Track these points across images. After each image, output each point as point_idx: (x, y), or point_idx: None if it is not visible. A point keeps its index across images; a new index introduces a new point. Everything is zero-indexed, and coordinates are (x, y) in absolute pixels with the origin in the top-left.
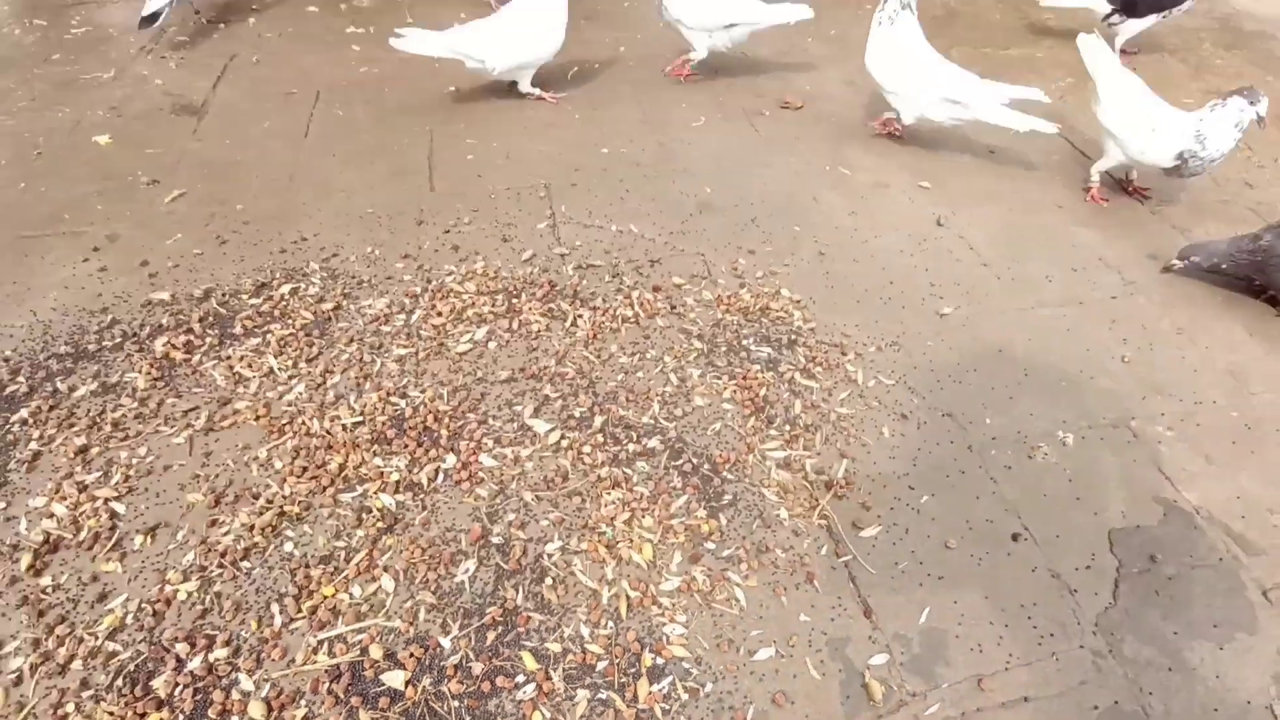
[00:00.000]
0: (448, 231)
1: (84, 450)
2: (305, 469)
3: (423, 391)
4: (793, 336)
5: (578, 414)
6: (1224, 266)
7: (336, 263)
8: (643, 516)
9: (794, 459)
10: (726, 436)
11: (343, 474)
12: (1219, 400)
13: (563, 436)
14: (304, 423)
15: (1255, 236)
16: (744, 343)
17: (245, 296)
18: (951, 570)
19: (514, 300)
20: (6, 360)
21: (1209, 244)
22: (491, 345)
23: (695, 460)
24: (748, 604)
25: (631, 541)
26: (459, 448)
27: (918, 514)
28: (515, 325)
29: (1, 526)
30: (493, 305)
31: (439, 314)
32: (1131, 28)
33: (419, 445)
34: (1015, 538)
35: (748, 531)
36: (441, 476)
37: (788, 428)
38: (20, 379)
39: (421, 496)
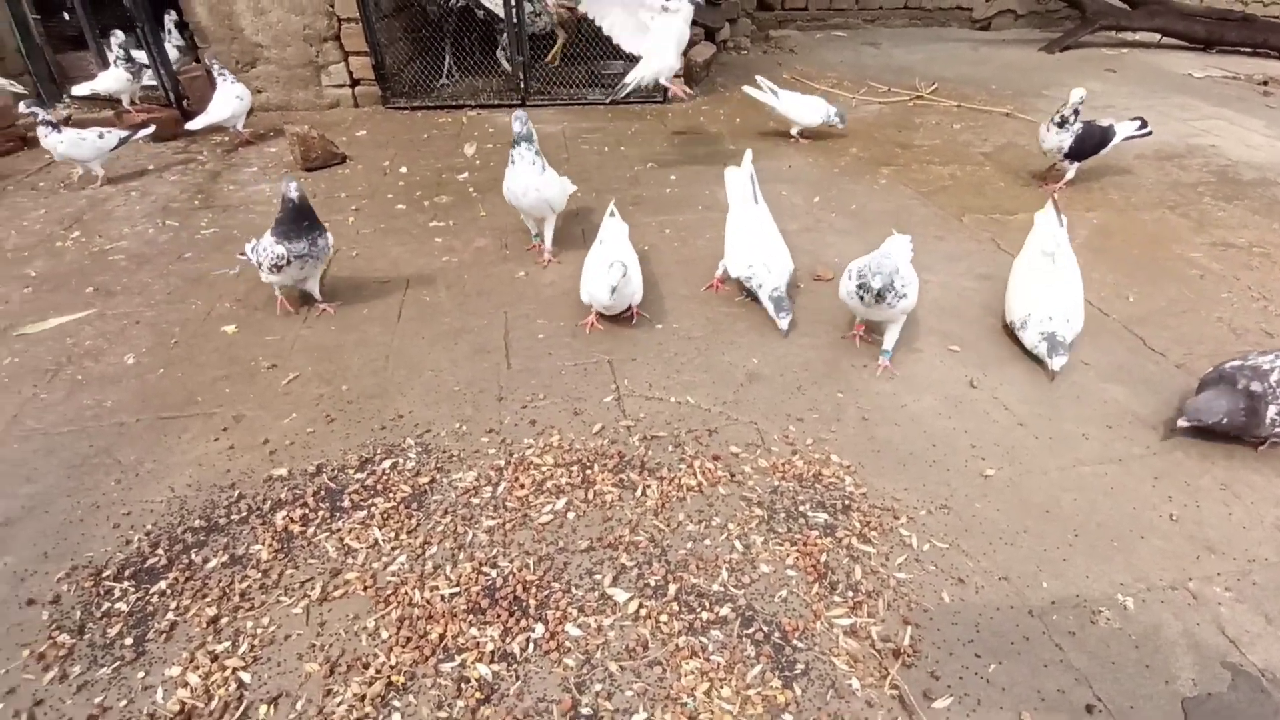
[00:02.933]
0: (525, 407)
1: (215, 620)
2: (409, 639)
3: (511, 561)
4: (846, 501)
5: (653, 582)
6: (1224, 422)
7: (429, 438)
8: (720, 687)
9: (859, 626)
10: (793, 603)
11: (443, 644)
12: (1270, 557)
13: (640, 605)
14: (407, 593)
15: (1233, 386)
16: (801, 509)
17: (351, 471)
18: None
19: (587, 471)
20: (148, 534)
21: (1211, 402)
22: (570, 515)
23: (766, 628)
24: None
25: (712, 713)
26: (546, 617)
27: (988, 684)
28: (590, 496)
29: (140, 695)
30: (569, 477)
31: (522, 486)
32: (1074, 168)
33: (510, 615)
34: (1090, 709)
35: (822, 702)
36: (531, 646)
37: (850, 594)
38: (160, 552)
39: (515, 666)
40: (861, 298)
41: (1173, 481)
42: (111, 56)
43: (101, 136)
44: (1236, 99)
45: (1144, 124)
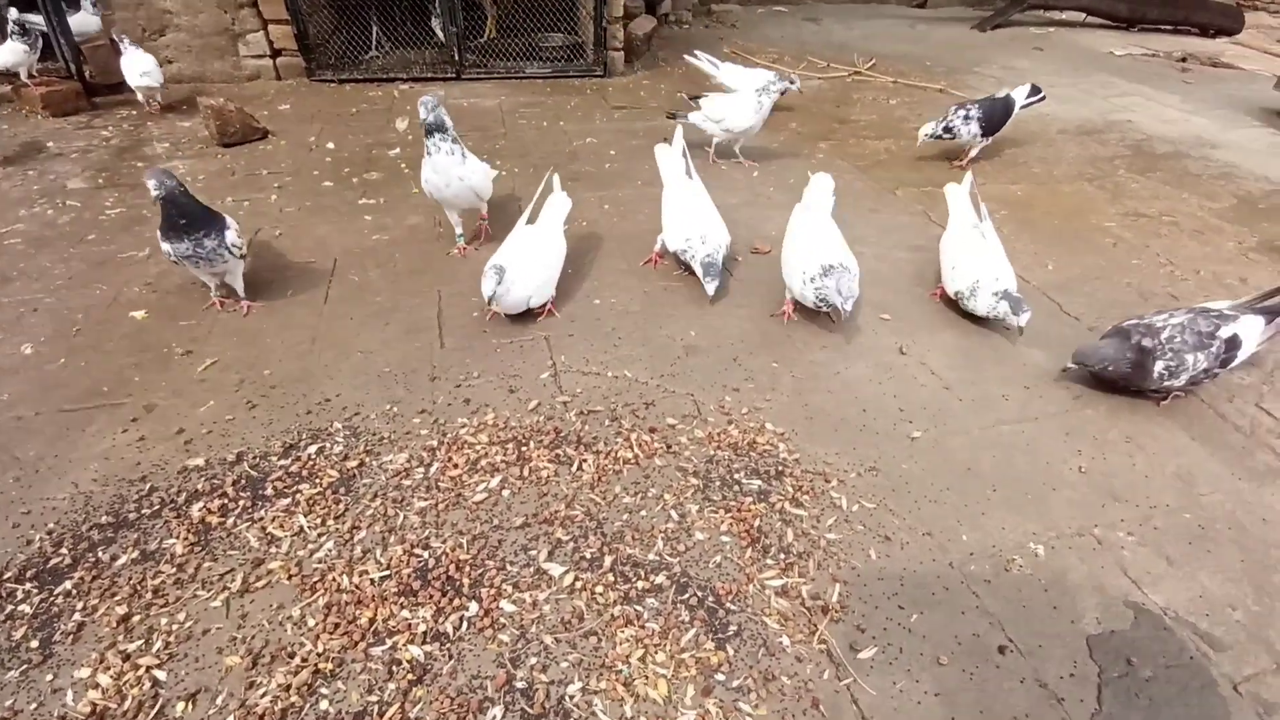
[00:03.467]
0: (458, 386)
1: (126, 619)
2: (337, 625)
3: (444, 541)
4: (779, 468)
5: (588, 555)
6: (1109, 369)
7: (358, 421)
8: (655, 652)
9: (790, 586)
10: (727, 568)
11: (372, 628)
12: (1171, 503)
13: (576, 578)
14: (334, 579)
15: (1126, 339)
16: (735, 476)
17: (275, 458)
18: (947, 687)
19: (523, 448)
20: (50, 533)
21: (1097, 349)
22: (505, 493)
23: (700, 593)
24: None
25: (647, 678)
26: (480, 595)
27: (909, 632)
28: (526, 473)
29: (49, 698)
30: (504, 454)
31: (455, 465)
32: (977, 147)
33: (443, 595)
34: (1002, 650)
35: (754, 660)
36: (465, 625)
37: (782, 556)
38: (63, 551)
39: (448, 645)
40: (818, 309)
41: (1082, 436)
42: (8, 28)
43: None
44: (1155, 75)
45: (1036, 90)
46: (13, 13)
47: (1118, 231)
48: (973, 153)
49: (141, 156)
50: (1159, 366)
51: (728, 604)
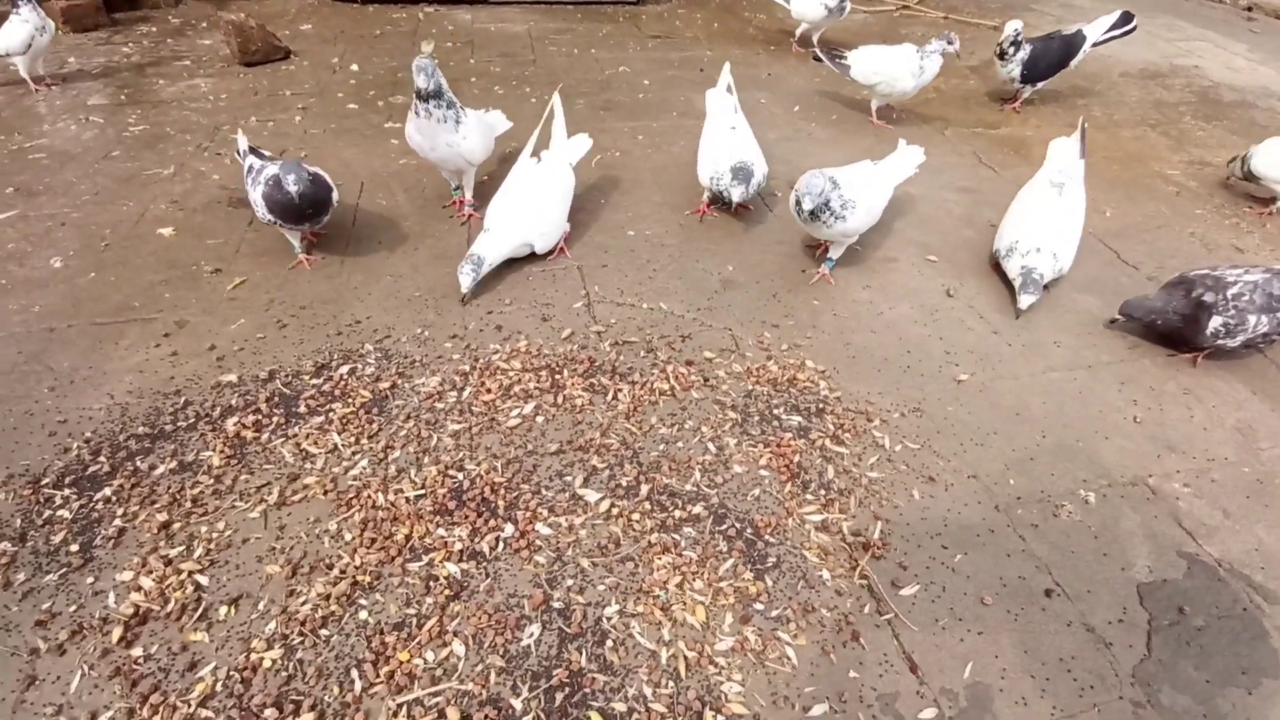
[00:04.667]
0: (490, 312)
1: (166, 525)
2: (374, 540)
3: (478, 464)
4: (820, 405)
5: (624, 483)
6: (1158, 322)
7: (389, 343)
8: (693, 580)
9: (831, 522)
10: (766, 502)
11: (409, 544)
12: (1230, 456)
13: (612, 505)
14: (369, 496)
15: (1185, 291)
16: (775, 412)
17: (307, 377)
18: (990, 626)
19: (557, 376)
20: (88, 441)
21: (1144, 300)
22: (539, 419)
23: (738, 525)
24: (799, 662)
25: (684, 604)
26: (516, 517)
27: (953, 572)
28: (560, 400)
29: (91, 600)
30: (537, 381)
31: (488, 390)
32: (1026, 90)
33: (479, 515)
34: (1048, 593)
35: (793, 592)
36: (501, 545)
37: (823, 492)
38: (102, 459)
39: (484, 564)
40: (798, 213)
41: (1138, 387)
42: None
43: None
44: (1222, 22)
45: (1127, 18)
46: None
47: (1181, 180)
48: (1023, 95)
49: (163, 74)
50: (1215, 323)
51: (766, 536)
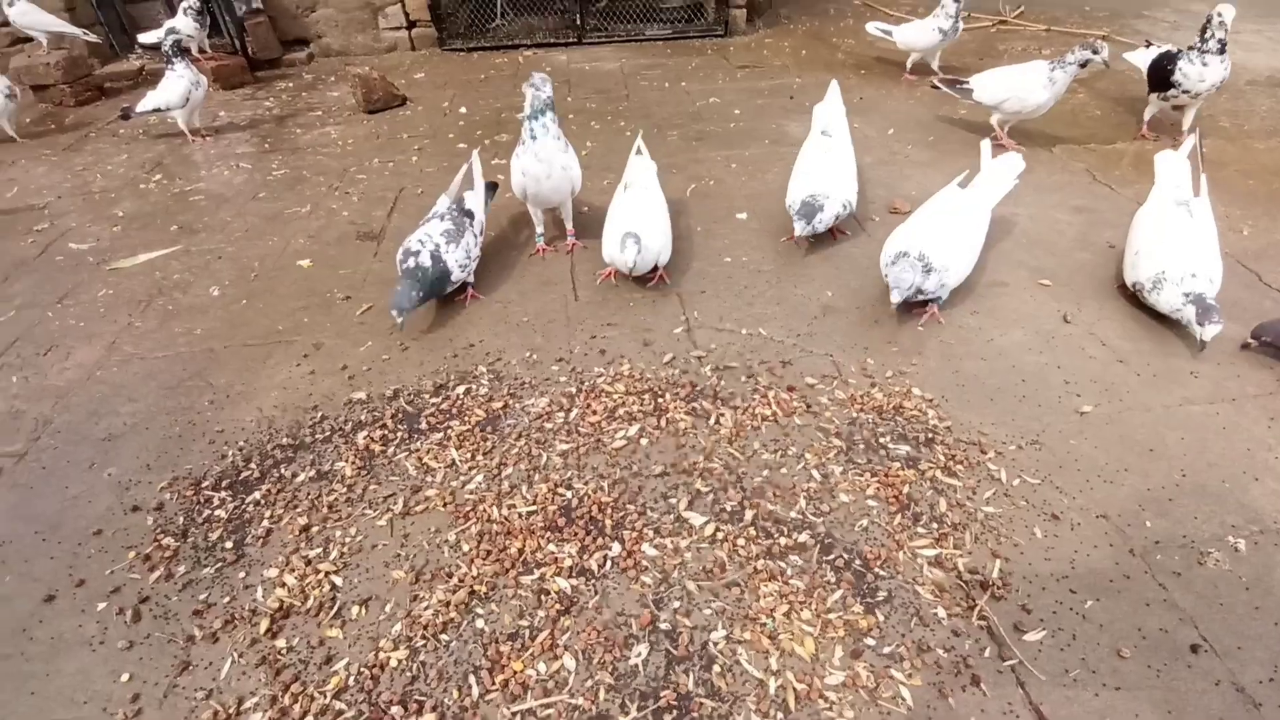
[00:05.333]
0: (594, 337)
1: (306, 529)
2: (489, 552)
3: (586, 483)
4: (929, 434)
5: (728, 508)
6: None
7: (500, 365)
8: (800, 609)
9: (945, 557)
10: (874, 533)
11: (522, 558)
12: None
13: (717, 529)
14: (485, 510)
15: None
16: (881, 440)
17: (427, 396)
18: (1128, 681)
19: (659, 400)
20: (240, 450)
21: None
22: (643, 442)
23: (846, 555)
24: (914, 704)
25: (792, 634)
26: (623, 537)
27: (1083, 619)
28: (663, 423)
29: (241, 593)
30: (641, 404)
31: (594, 412)
32: (1153, 105)
33: (587, 533)
34: (1194, 649)
35: (906, 629)
36: (609, 563)
37: (935, 526)
38: (252, 465)
39: (593, 581)
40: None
41: None
42: (182, 5)
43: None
44: None
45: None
46: None
47: None
48: (1146, 114)
49: (299, 123)
50: None
51: (876, 569)
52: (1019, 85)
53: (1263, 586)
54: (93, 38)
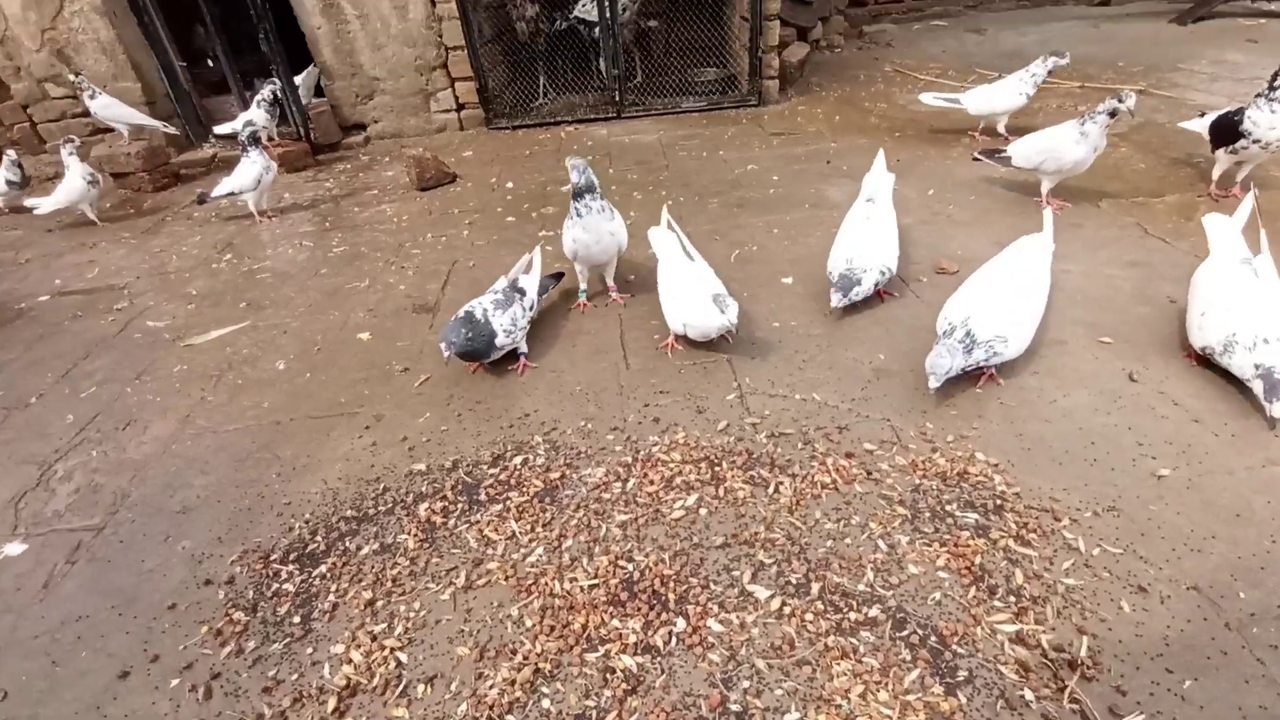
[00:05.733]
0: (647, 405)
1: (371, 603)
2: (552, 628)
3: (646, 555)
4: (998, 501)
5: (794, 580)
6: None
7: (556, 435)
8: (877, 690)
9: (1027, 633)
10: (948, 606)
11: (585, 633)
12: None
13: (783, 603)
14: (547, 583)
15: None
16: (947, 508)
17: (485, 467)
18: None
19: (716, 469)
20: (307, 522)
21: None
22: (702, 512)
23: (920, 631)
24: None
25: (870, 717)
26: (687, 612)
27: (1183, 701)
28: (721, 492)
29: (309, 670)
30: (698, 473)
31: (651, 482)
32: (1222, 162)
33: (650, 608)
34: None
35: (993, 713)
36: (674, 640)
37: (1013, 599)
38: (318, 538)
39: (659, 659)
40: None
41: None
42: (256, 98)
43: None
44: None
45: None
46: (266, 87)
47: None
48: (1216, 172)
49: (357, 202)
50: None
51: (954, 646)
52: (1052, 146)
53: None
54: (171, 130)
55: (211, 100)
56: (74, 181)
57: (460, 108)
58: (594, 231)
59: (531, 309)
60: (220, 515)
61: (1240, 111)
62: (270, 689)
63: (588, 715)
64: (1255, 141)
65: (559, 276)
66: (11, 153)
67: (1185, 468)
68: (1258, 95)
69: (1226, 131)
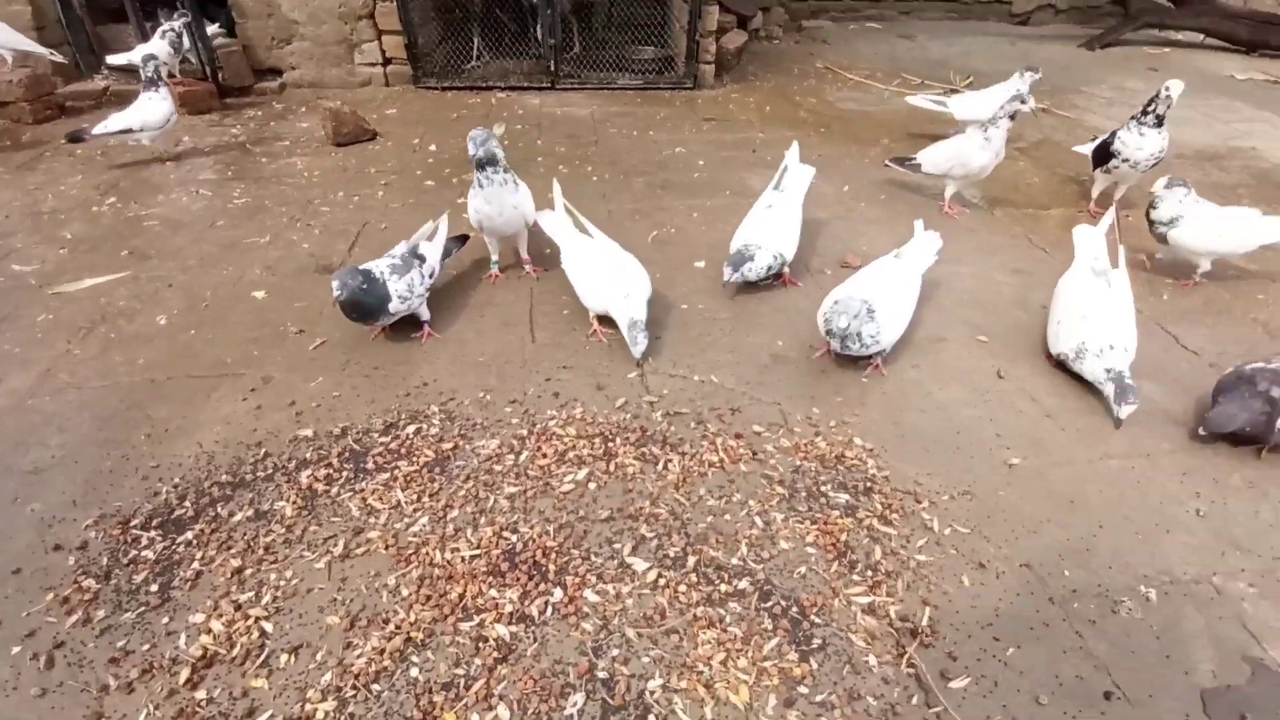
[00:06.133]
0: (549, 380)
1: (239, 571)
2: (429, 597)
3: (531, 527)
4: (868, 484)
5: (672, 554)
6: (1249, 430)
7: (453, 406)
8: (737, 657)
9: (878, 605)
10: (812, 580)
11: (462, 603)
12: None
13: (659, 575)
14: (427, 553)
15: (1252, 387)
16: (822, 489)
17: (376, 435)
18: None
19: (610, 444)
20: (175, 487)
21: (1225, 414)
22: (591, 486)
23: (784, 603)
24: None
25: (728, 682)
26: (565, 582)
27: (1005, 666)
28: (612, 468)
29: (163, 640)
30: (591, 449)
31: (544, 455)
32: (1100, 181)
33: (529, 579)
34: (1108, 696)
35: (839, 677)
36: (550, 610)
37: (870, 573)
38: (187, 504)
39: (533, 629)
40: (828, 333)
41: (1201, 478)
42: (161, 29)
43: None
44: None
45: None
46: (176, 18)
47: (1241, 263)
48: (1094, 191)
49: (266, 152)
50: None
51: (812, 616)
52: (960, 152)
53: (1172, 636)
54: (59, 58)
55: (108, 29)
56: None
57: (386, 62)
58: (496, 204)
59: (431, 276)
60: (76, 476)
61: (1114, 134)
62: (118, 659)
63: (456, 683)
64: (1125, 160)
65: (464, 240)
66: None
67: (1034, 458)
68: (1131, 118)
69: (1103, 152)
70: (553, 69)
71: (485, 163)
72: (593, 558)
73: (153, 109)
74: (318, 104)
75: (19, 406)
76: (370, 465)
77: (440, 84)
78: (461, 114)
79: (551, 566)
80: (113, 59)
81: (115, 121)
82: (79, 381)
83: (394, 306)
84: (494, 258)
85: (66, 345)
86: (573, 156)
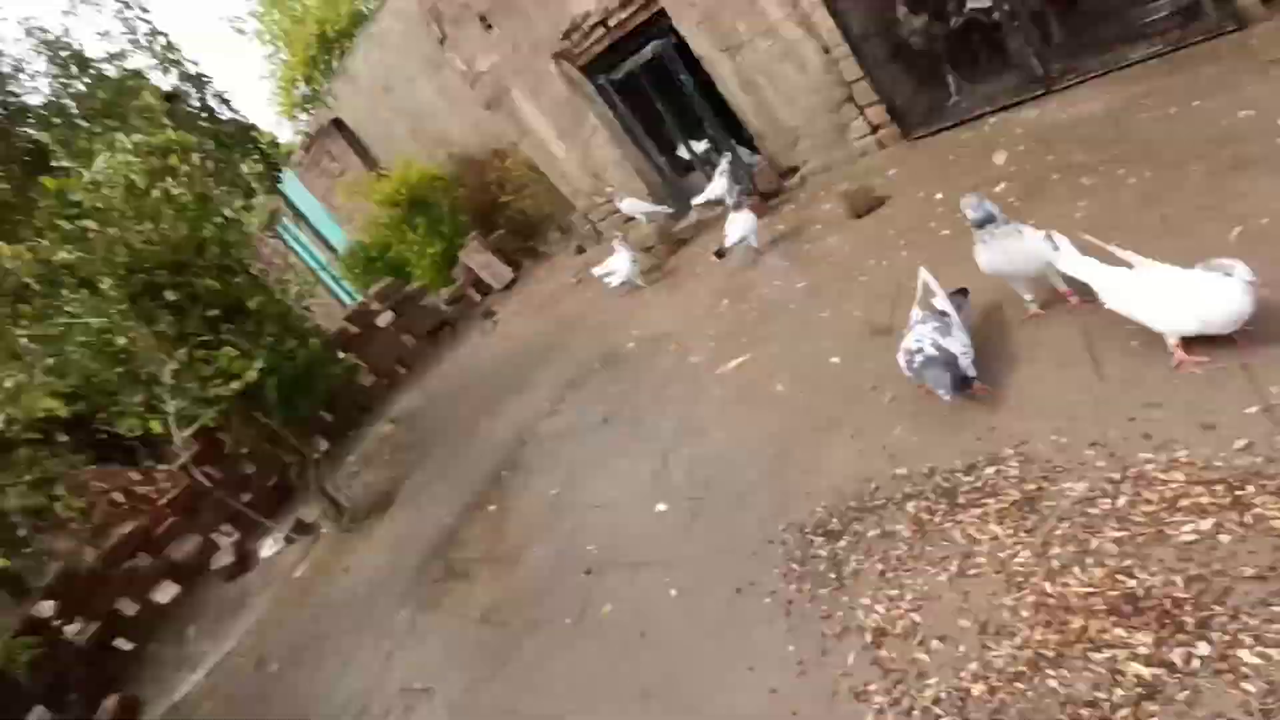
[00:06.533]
0: (1133, 420)
1: (883, 573)
2: (1049, 623)
3: (1152, 574)
4: None
5: None
6: None
7: (1026, 449)
8: None
9: None
10: None
11: (1085, 635)
12: None
13: None
14: (1037, 583)
15: None
16: None
17: (959, 474)
18: None
19: (1238, 493)
20: (824, 507)
21: None
22: (1222, 538)
23: None
24: None
25: None
26: (1211, 638)
27: None
28: (1247, 519)
29: (848, 612)
30: (1212, 496)
31: (1147, 501)
32: None
33: (1161, 626)
34: None
35: None
36: (1197, 662)
37: None
38: (834, 520)
39: (1178, 675)
40: None
41: None
42: (716, 171)
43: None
44: None
45: None
46: (723, 161)
47: None
48: None
49: (806, 238)
50: None
51: None
52: None
53: None
54: (669, 210)
55: (682, 181)
56: (623, 263)
57: (875, 129)
58: (1004, 253)
59: (963, 328)
60: (769, 497)
61: None
62: (827, 617)
63: (1100, 705)
64: None
65: (964, 292)
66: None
67: None
68: None
69: None
70: (1040, 72)
71: (983, 223)
72: (1242, 618)
73: (744, 221)
74: (830, 186)
75: (720, 457)
76: (961, 500)
77: (928, 130)
78: (957, 153)
79: (1188, 619)
80: (695, 200)
81: (733, 233)
82: (742, 439)
83: (963, 363)
84: (1028, 297)
85: (726, 410)
86: (1094, 162)
